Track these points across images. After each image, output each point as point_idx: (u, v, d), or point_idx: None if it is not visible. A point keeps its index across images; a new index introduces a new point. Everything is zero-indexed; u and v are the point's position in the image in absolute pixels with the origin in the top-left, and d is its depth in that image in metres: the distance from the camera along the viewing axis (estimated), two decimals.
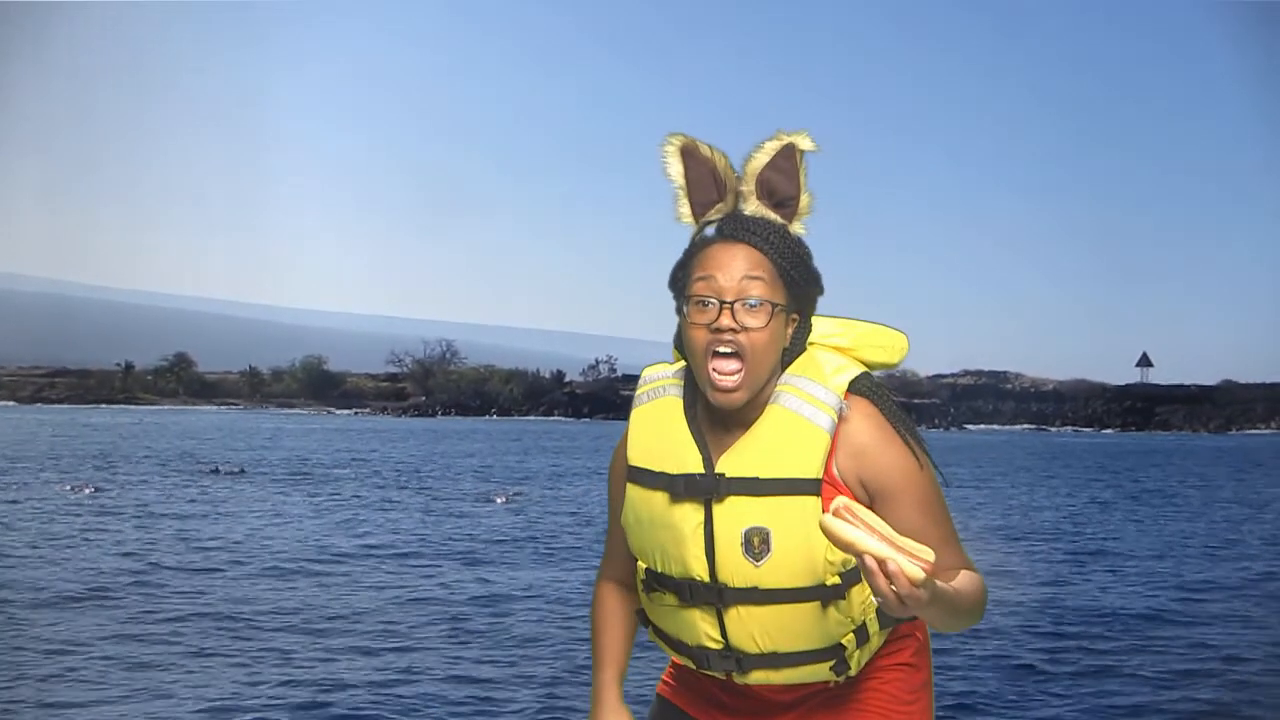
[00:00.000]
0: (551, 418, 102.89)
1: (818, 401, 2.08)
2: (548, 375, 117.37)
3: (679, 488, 2.12)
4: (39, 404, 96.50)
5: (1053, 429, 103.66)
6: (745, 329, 2.05)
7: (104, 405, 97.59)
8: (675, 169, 2.20)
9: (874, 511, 1.91)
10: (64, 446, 36.02)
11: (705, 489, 2.09)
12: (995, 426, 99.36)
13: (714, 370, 2.06)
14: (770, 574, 2.05)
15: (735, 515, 2.08)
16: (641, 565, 2.23)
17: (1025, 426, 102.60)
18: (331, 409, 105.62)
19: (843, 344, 2.24)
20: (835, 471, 2.07)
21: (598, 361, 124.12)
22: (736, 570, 2.08)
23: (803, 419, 2.07)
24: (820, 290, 2.20)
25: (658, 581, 2.18)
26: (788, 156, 2.15)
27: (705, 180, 2.19)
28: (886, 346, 2.27)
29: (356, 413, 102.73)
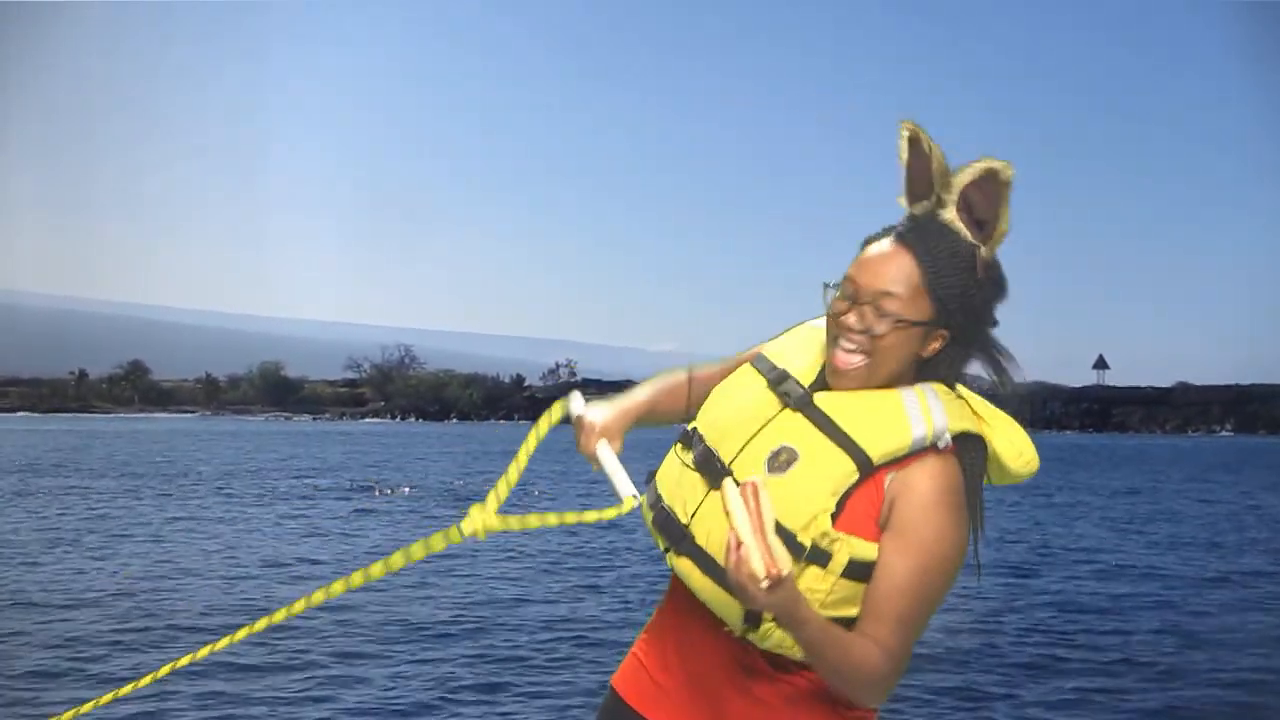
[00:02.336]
0: (512, 422, 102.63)
1: (929, 418, 2.10)
2: (507, 380, 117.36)
3: (775, 380, 2.23)
4: None
5: None
6: (869, 332, 2.11)
7: (58, 414, 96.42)
8: (905, 156, 2.25)
9: (880, 540, 2.03)
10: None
11: (789, 395, 2.20)
12: None
13: (839, 353, 2.15)
14: (772, 492, 2.02)
15: (789, 430, 2.14)
16: (692, 424, 2.31)
17: None
18: (289, 415, 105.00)
19: (981, 411, 2.24)
20: (886, 479, 2.07)
21: (558, 365, 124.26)
22: (750, 467, 2.12)
23: (905, 418, 2.09)
24: (985, 319, 2.20)
25: (692, 438, 2.26)
26: (991, 180, 2.15)
27: (922, 172, 2.22)
28: (1018, 447, 2.24)
29: (315, 419, 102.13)
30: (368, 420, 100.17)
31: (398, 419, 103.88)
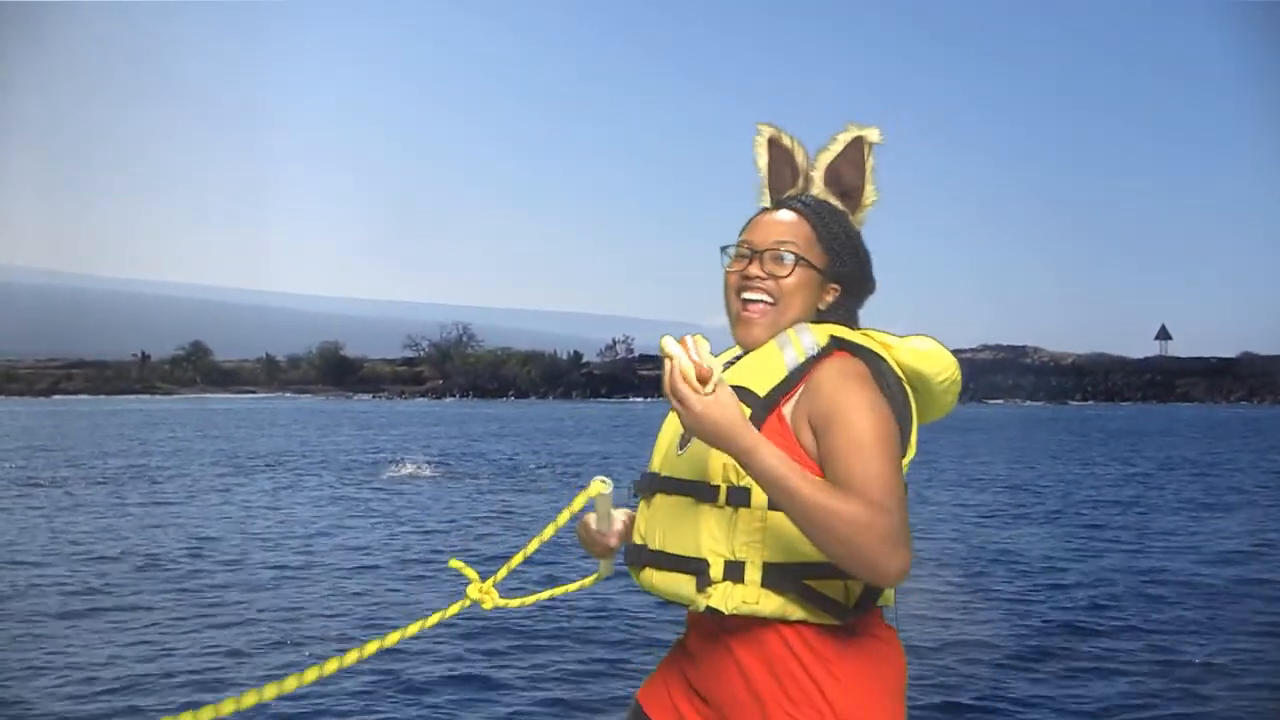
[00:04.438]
0: (570, 401, 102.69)
1: (796, 341, 2.19)
2: (565, 357, 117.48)
3: None
4: (56, 396, 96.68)
5: (1073, 403, 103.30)
6: (774, 277, 2.23)
7: (122, 396, 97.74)
8: (762, 159, 2.41)
9: (816, 442, 2.08)
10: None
11: None
12: (1017, 401, 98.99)
13: (743, 303, 2.26)
14: (683, 464, 2.21)
15: None
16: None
17: (1030, 402, 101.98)
18: (349, 394, 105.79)
19: (884, 340, 2.28)
20: (786, 411, 2.14)
21: (615, 342, 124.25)
22: (667, 459, 2.27)
23: (775, 349, 2.20)
24: (865, 270, 2.32)
25: (637, 482, 2.37)
26: (856, 148, 2.32)
27: (784, 168, 2.38)
28: (926, 352, 2.25)
29: (374, 396, 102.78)
30: (420, 399, 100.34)
31: (456, 397, 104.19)
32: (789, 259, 2.22)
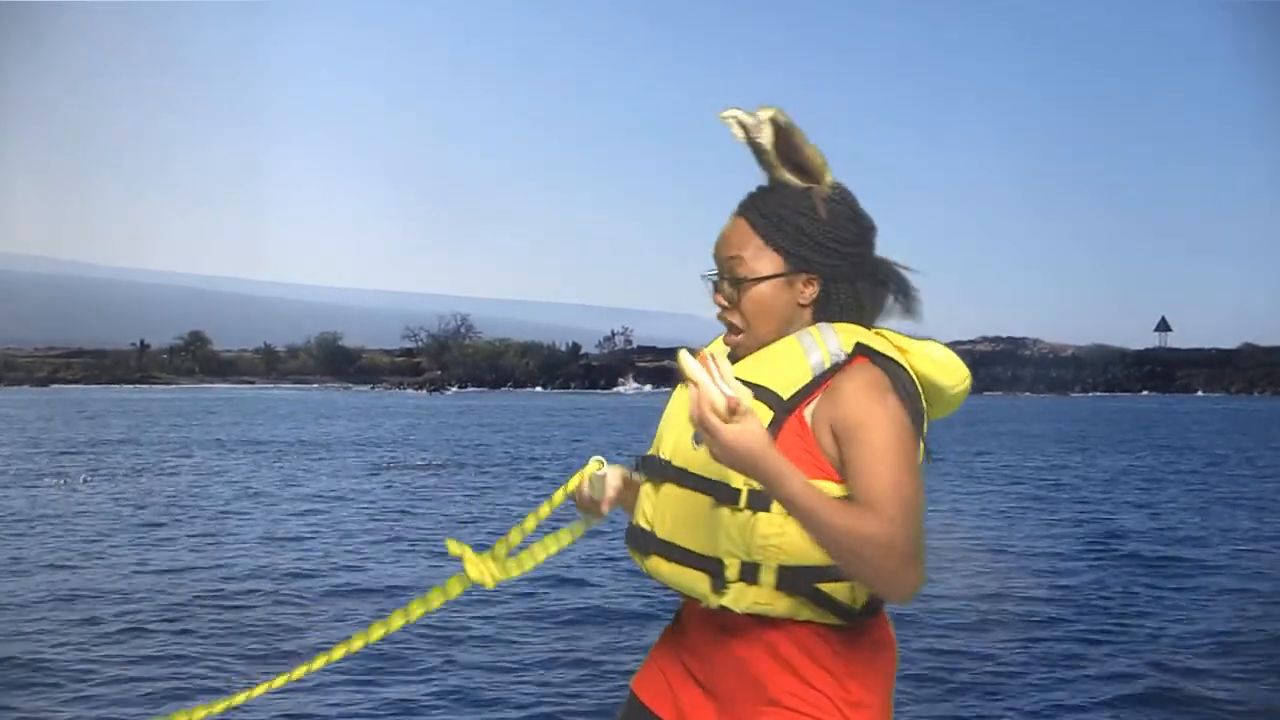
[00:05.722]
0: (568, 391, 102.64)
1: (822, 344, 2.17)
2: (564, 348, 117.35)
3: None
4: (55, 385, 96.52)
5: (1073, 394, 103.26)
6: (734, 305, 2.23)
7: (121, 385, 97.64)
8: (739, 137, 2.27)
9: (837, 450, 2.09)
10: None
11: None
12: (1016, 393, 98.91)
13: (726, 332, 2.28)
14: (700, 460, 2.16)
15: None
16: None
17: (1029, 394, 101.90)
18: (348, 385, 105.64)
19: (900, 344, 2.26)
20: (807, 414, 2.13)
21: (613, 333, 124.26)
22: (680, 449, 2.25)
23: (800, 350, 2.17)
24: (851, 254, 2.24)
25: (643, 462, 2.35)
26: (775, 128, 2.22)
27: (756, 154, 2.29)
28: (942, 362, 2.26)
29: (373, 388, 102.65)
30: (418, 390, 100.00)
31: (454, 388, 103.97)
32: (741, 284, 2.21)
